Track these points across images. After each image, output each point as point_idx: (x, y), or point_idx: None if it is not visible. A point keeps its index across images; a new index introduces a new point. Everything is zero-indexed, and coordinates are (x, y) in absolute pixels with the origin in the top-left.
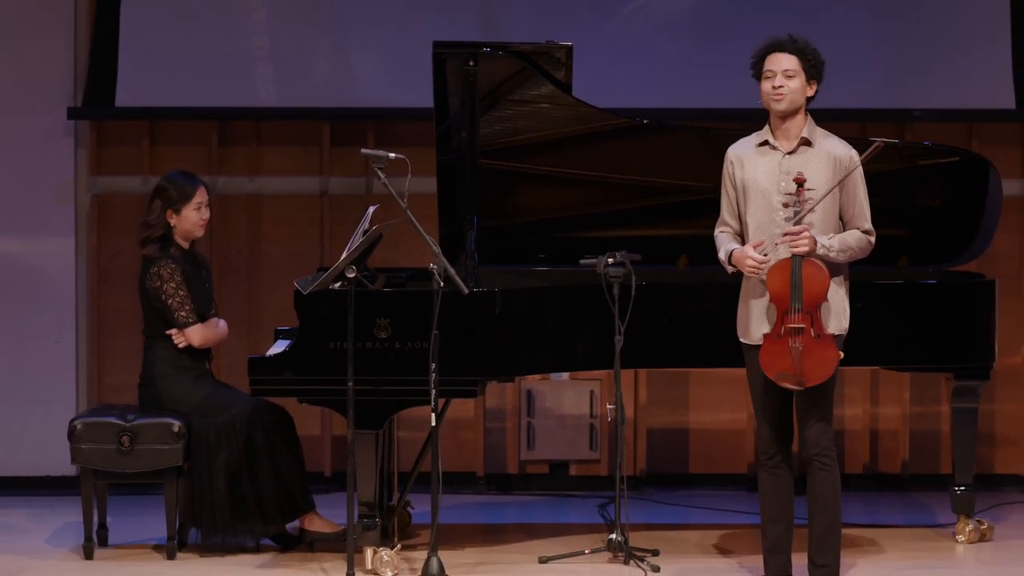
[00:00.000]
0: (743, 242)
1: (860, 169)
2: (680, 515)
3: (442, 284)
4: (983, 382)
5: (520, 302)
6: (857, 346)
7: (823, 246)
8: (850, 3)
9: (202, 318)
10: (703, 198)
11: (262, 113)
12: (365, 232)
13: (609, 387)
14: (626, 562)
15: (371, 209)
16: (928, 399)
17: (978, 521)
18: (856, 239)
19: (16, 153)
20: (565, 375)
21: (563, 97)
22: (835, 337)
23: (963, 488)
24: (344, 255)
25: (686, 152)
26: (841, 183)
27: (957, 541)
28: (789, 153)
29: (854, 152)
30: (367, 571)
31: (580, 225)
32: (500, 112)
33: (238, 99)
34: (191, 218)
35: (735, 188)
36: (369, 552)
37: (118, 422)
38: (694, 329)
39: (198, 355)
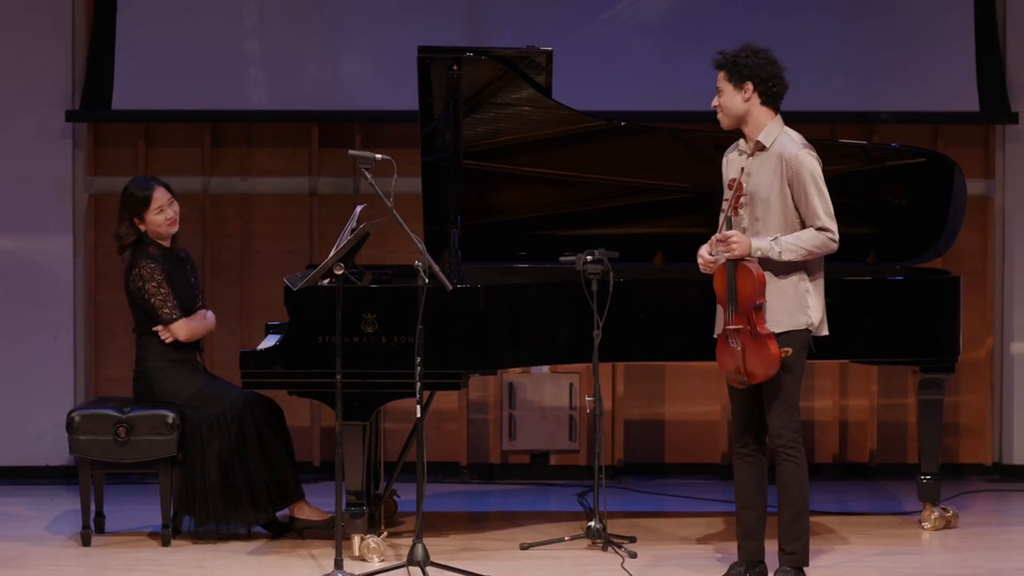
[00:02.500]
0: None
1: (809, 166)
2: (656, 503)
3: (427, 280)
4: (948, 375)
5: (502, 298)
6: (827, 340)
7: (759, 248)
8: (820, 8)
9: (189, 312)
10: (678, 197)
11: (253, 115)
12: (353, 230)
13: (588, 380)
14: (604, 549)
15: (358, 208)
16: (895, 391)
17: (943, 509)
18: (811, 237)
19: (16, 154)
20: (545, 368)
21: (543, 100)
22: (800, 332)
23: (929, 477)
24: (332, 252)
25: (662, 153)
26: (790, 183)
27: (923, 528)
28: (750, 156)
29: (800, 150)
30: (354, 557)
31: (560, 223)
32: (483, 115)
33: (230, 102)
34: (156, 221)
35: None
36: (356, 539)
37: (115, 414)
38: (669, 324)
39: (188, 348)
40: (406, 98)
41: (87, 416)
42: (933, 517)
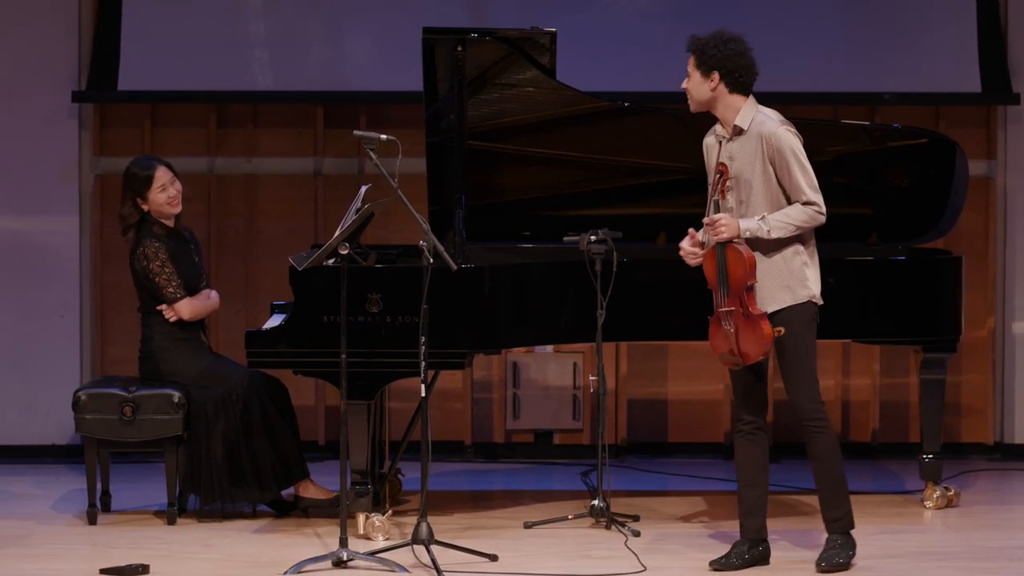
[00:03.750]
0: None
1: (789, 143)
2: (659, 482)
3: (431, 260)
4: (950, 354)
5: (506, 278)
6: (829, 320)
7: (747, 229)
8: None
9: (193, 291)
10: (681, 178)
11: (259, 96)
12: (357, 211)
13: (591, 359)
14: (608, 527)
15: (363, 188)
16: (897, 371)
17: (945, 488)
18: (798, 212)
19: (22, 135)
20: (549, 348)
21: (547, 81)
22: (799, 306)
23: (931, 456)
24: (337, 233)
25: (664, 134)
26: (772, 161)
27: (925, 507)
28: (729, 140)
29: (779, 128)
30: (359, 536)
31: (563, 204)
32: (487, 95)
33: (236, 83)
34: (159, 200)
35: (709, 174)
36: (361, 517)
37: (121, 393)
38: (672, 303)
39: (192, 327)
40: (411, 79)
41: (93, 395)
42: (935, 496)
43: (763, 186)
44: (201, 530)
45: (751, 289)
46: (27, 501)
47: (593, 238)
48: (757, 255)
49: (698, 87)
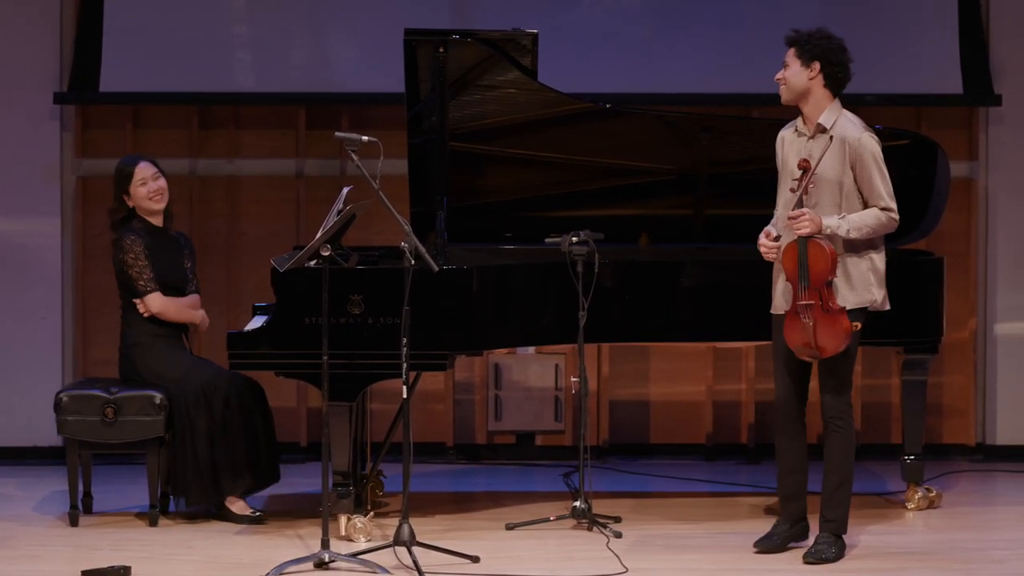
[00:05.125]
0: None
1: (872, 150)
2: (641, 483)
3: (413, 262)
4: (932, 355)
5: (488, 279)
6: None
7: (828, 226)
8: None
9: (180, 293)
10: (663, 179)
11: (241, 98)
12: (339, 212)
13: (573, 361)
14: (590, 528)
15: (345, 190)
16: (879, 372)
17: (927, 489)
18: (873, 217)
19: (4, 137)
20: (531, 349)
21: (529, 82)
22: (861, 310)
23: (912, 457)
24: (319, 234)
25: (647, 135)
26: (852, 166)
27: (907, 508)
28: (810, 138)
29: (863, 134)
30: (341, 537)
31: (545, 205)
32: (469, 97)
33: (218, 84)
34: (139, 194)
35: (780, 167)
36: (343, 519)
37: (102, 394)
38: (654, 305)
39: (171, 325)
40: (393, 80)
41: (75, 397)
42: (916, 497)
43: (838, 187)
44: (183, 532)
45: (831, 284)
46: (9, 503)
47: (575, 239)
48: None
49: (797, 75)
